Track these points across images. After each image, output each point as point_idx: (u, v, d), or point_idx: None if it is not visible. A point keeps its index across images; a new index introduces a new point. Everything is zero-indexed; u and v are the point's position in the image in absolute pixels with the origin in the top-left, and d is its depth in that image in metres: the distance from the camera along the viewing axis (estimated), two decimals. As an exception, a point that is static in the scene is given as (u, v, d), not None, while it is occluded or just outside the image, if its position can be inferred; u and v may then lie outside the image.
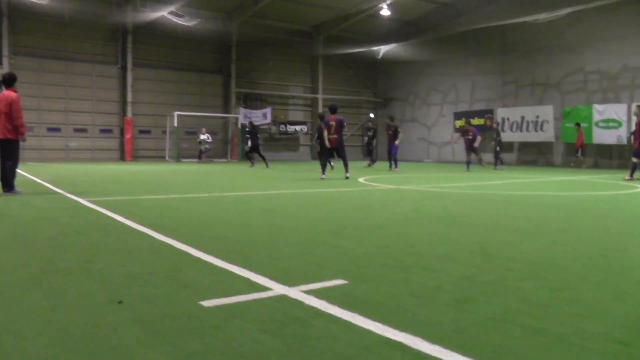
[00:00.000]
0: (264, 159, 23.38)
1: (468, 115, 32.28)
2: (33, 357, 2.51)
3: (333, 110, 15.86)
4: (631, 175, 15.61)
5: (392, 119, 21.70)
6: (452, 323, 2.99)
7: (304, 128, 35.84)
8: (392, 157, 21.41)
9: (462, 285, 3.85)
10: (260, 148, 23.71)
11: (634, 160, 15.60)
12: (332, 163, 19.43)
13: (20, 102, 10.23)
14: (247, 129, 24.02)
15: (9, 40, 27.70)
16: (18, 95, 10.21)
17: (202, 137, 30.04)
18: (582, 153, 25.63)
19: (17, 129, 10.05)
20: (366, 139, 26.63)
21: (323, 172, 15.68)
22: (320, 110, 36.64)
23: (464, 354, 2.55)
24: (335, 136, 15.52)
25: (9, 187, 10.15)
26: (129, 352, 2.56)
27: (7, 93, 10.11)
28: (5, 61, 27.53)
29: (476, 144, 21.61)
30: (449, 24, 32.26)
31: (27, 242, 5.42)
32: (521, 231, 6.36)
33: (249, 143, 23.48)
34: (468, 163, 21.50)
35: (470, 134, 21.69)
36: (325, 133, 15.58)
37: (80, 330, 2.84)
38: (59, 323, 2.97)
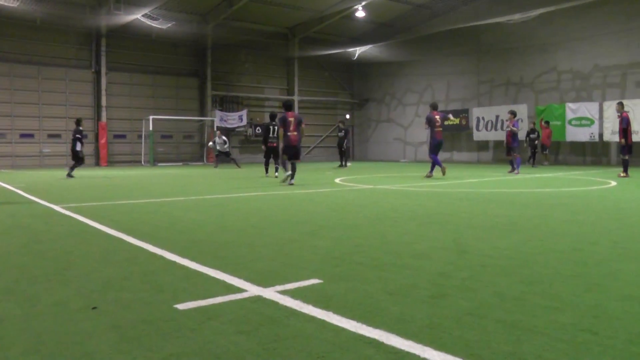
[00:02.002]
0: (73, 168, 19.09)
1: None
2: (6, 364, 2.49)
3: (289, 107, 14.89)
4: (625, 171, 15.94)
5: (433, 106, 17.13)
6: (426, 319, 3.03)
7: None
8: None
9: (437, 281, 3.89)
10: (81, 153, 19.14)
11: (625, 157, 15.93)
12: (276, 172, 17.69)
13: None
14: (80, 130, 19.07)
15: (-22, 45, 27.28)
16: None
17: (218, 140, 26.66)
18: (547, 150, 25.90)
19: None
20: (337, 139, 26.56)
21: (267, 172, 15.26)
22: (296, 111, 36.67)
23: (437, 348, 2.59)
24: (296, 133, 14.51)
25: None
26: (104, 358, 2.55)
27: None
28: (-26, 66, 27.11)
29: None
30: (424, 25, 32.48)
31: (1, 251, 5.35)
32: (496, 228, 6.44)
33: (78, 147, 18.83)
34: (512, 162, 18.83)
35: (510, 124, 18.87)
36: (282, 131, 14.46)
37: (55, 338, 2.82)
38: (33, 331, 2.95)
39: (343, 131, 25.85)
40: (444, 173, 16.12)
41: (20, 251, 5.30)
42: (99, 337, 2.82)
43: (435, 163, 16.39)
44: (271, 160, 18.43)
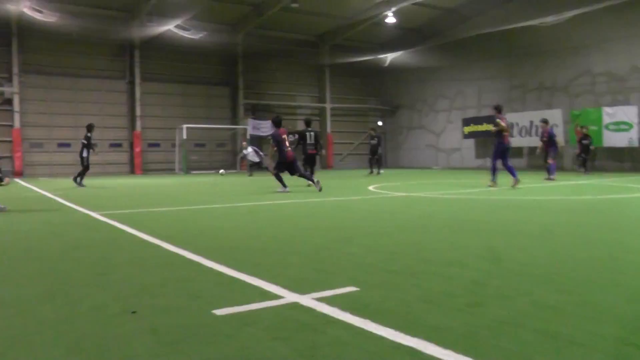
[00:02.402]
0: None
1: (477, 120, 32.11)
2: (49, 368, 2.54)
3: (278, 123, 14.61)
4: None
5: (498, 108, 15.26)
6: (463, 327, 3.00)
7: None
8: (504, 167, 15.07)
9: (472, 290, 3.85)
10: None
11: None
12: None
13: None
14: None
15: (18, 59, 28.04)
16: None
17: (244, 152, 26.92)
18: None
19: None
20: (369, 147, 26.37)
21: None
22: (328, 120, 36.72)
23: (476, 357, 2.56)
24: (290, 149, 14.46)
25: None
26: (143, 362, 2.59)
27: None
28: (15, 79, 27.92)
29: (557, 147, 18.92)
30: (453, 29, 32.26)
31: (41, 256, 5.47)
32: (530, 235, 6.35)
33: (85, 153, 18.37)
34: (548, 169, 18.41)
35: (545, 135, 18.74)
36: (273, 149, 14.40)
37: (95, 341, 2.88)
38: (74, 334, 3.01)
39: (376, 138, 25.62)
40: (492, 185, 14.69)
41: (60, 256, 5.41)
42: (137, 341, 2.86)
43: (510, 170, 14.61)
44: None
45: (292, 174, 14.53)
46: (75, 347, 2.80)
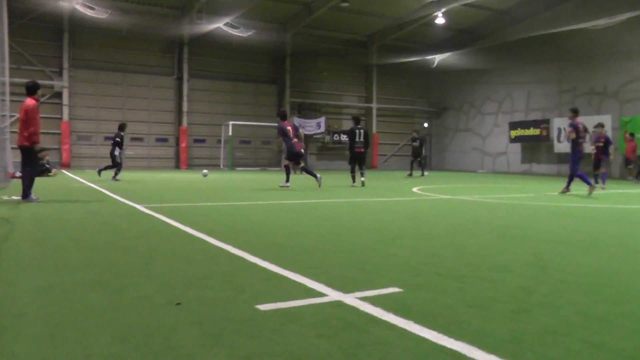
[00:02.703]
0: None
1: (524, 125, 31.57)
2: (97, 353, 2.61)
3: (284, 116, 15.37)
4: None
5: (576, 111, 14.51)
6: (508, 334, 2.95)
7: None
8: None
9: (517, 296, 3.79)
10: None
11: None
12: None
13: (37, 111, 10.13)
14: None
15: (69, 53, 28.87)
16: (36, 103, 10.12)
17: None
18: (632, 165, 24.49)
19: (30, 137, 9.94)
20: (411, 149, 26.09)
21: (354, 181, 16.27)
22: (374, 120, 36.61)
23: (521, 364, 2.52)
24: (296, 140, 15.04)
25: (24, 194, 10.11)
26: (188, 353, 2.63)
27: (26, 101, 10.07)
28: (65, 74, 28.74)
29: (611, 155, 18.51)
30: (504, 31, 31.81)
31: (88, 246, 5.60)
32: (577, 244, 6.22)
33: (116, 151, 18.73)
34: (596, 176, 17.68)
35: (602, 140, 18.10)
36: (279, 140, 15.34)
37: (141, 330, 2.93)
38: (121, 322, 3.07)
39: (418, 140, 25.29)
40: (592, 189, 13.66)
41: (107, 247, 5.53)
42: (182, 332, 2.90)
43: (582, 178, 13.72)
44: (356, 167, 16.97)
45: (296, 164, 15.25)
46: (121, 335, 2.86)
